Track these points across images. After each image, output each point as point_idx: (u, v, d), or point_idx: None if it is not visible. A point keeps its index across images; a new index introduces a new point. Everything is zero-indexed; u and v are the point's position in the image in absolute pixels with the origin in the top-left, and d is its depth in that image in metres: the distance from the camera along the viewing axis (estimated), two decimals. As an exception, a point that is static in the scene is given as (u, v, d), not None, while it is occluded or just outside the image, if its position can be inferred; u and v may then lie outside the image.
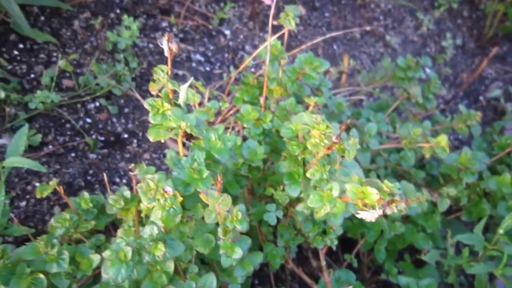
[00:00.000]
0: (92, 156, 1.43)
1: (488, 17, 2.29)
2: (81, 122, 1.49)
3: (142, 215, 0.87)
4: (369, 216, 0.61)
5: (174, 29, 1.83)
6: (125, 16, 1.61)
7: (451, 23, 2.33)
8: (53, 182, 0.87)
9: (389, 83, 1.31)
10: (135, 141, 1.50)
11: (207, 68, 1.79)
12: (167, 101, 0.81)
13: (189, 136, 0.84)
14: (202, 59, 1.81)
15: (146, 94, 1.61)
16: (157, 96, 0.81)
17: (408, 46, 2.14)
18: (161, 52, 1.75)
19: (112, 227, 1.13)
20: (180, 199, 0.76)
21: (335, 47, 1.98)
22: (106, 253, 0.72)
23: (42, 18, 1.69)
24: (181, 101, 0.81)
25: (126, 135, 1.50)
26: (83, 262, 0.85)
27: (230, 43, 1.88)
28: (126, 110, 1.56)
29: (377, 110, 1.33)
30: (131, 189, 1.38)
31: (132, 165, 0.97)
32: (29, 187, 1.31)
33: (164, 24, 1.83)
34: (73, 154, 1.42)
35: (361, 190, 0.63)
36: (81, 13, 1.74)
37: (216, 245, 0.83)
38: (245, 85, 1.15)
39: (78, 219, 0.89)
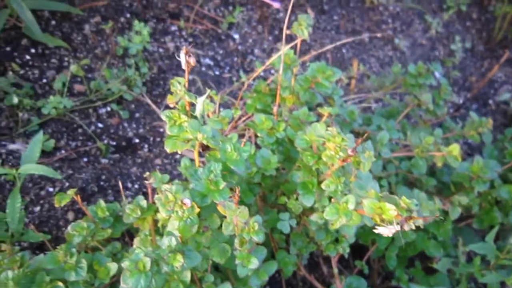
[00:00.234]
0: (104, 161, 1.44)
1: (497, 19, 2.28)
2: (92, 127, 1.50)
3: (159, 224, 0.88)
4: (386, 231, 0.61)
5: (184, 33, 1.84)
6: (136, 22, 1.62)
7: (460, 25, 2.32)
8: (71, 191, 0.88)
9: (400, 90, 1.31)
10: (146, 146, 1.51)
11: (217, 72, 1.80)
12: (184, 113, 0.82)
13: (205, 147, 0.85)
14: (212, 63, 1.82)
15: (156, 99, 1.63)
16: (174, 108, 0.82)
17: (416, 49, 2.14)
18: (171, 56, 1.76)
19: (127, 234, 1.14)
20: (197, 210, 0.77)
21: (344, 50, 1.98)
22: (125, 264, 0.73)
23: (53, 22, 1.71)
24: (197, 113, 0.82)
25: (137, 140, 1.52)
26: (101, 270, 0.86)
27: (239, 47, 1.89)
28: (137, 115, 1.57)
29: (387, 117, 1.34)
30: (143, 194, 1.40)
31: (147, 173, 0.98)
32: (42, 192, 1.33)
33: (174, 28, 1.84)
34: (85, 159, 1.43)
35: (379, 206, 0.64)
36: (91, 17, 1.76)
37: (231, 255, 0.84)
38: (257, 93, 1.16)
39: (95, 227, 0.91)
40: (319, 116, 1.26)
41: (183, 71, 1.87)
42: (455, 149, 1.04)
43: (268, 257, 0.97)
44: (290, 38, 1.98)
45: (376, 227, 0.62)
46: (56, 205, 0.87)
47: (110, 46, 1.69)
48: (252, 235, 0.77)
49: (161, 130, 1.56)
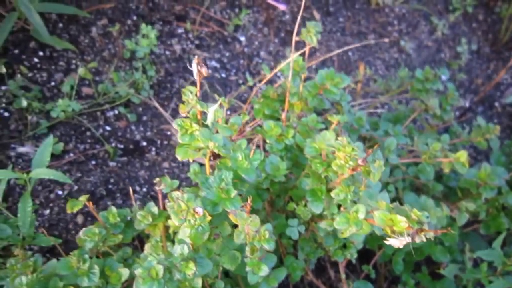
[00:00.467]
0: (112, 164, 1.46)
1: (503, 20, 2.28)
2: (100, 130, 1.52)
3: (170, 231, 0.89)
4: (397, 243, 0.62)
5: (190, 36, 1.85)
6: (143, 25, 1.63)
7: (466, 27, 2.31)
8: (83, 198, 0.89)
9: (407, 95, 1.32)
10: (153, 149, 1.52)
11: (223, 75, 1.81)
12: (195, 121, 0.82)
13: (216, 155, 0.86)
14: (218, 65, 1.82)
15: (163, 102, 1.64)
16: (186, 116, 0.82)
17: (422, 52, 2.13)
18: (177, 59, 1.77)
19: (137, 239, 1.16)
20: (209, 218, 0.78)
21: (349, 53, 1.98)
22: (138, 271, 0.74)
23: (60, 25, 1.71)
24: (209, 122, 0.82)
25: (144, 143, 1.53)
26: (113, 276, 0.88)
27: (245, 49, 1.89)
28: (144, 118, 1.58)
29: (394, 121, 1.34)
30: (151, 197, 1.41)
31: (157, 179, 0.99)
32: (52, 196, 1.34)
33: (180, 30, 1.85)
34: (93, 162, 1.45)
35: (390, 218, 0.64)
36: (98, 20, 1.77)
37: (242, 261, 0.85)
38: (265, 98, 1.16)
39: (107, 233, 0.92)
40: (325, 119, 1.27)
41: (190, 73, 1.88)
42: (463, 155, 1.04)
43: (276, 262, 0.98)
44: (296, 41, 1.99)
45: (387, 238, 0.63)
46: (68, 211, 0.88)
47: (117, 49, 1.70)
48: (263, 243, 0.78)
49: (168, 133, 1.57)
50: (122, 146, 1.50)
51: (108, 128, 1.53)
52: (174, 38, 1.82)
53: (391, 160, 1.07)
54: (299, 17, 0.97)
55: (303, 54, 1.11)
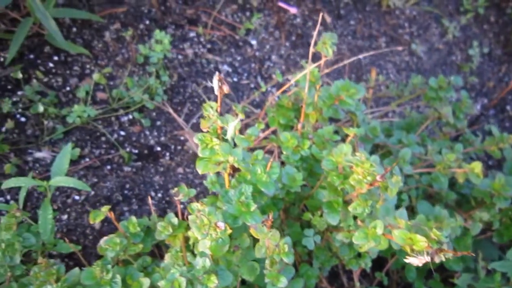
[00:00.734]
0: (127, 169, 1.48)
1: (515, 23, 2.26)
2: (115, 135, 1.54)
3: (190, 242, 0.91)
4: (416, 261, 0.64)
5: (202, 40, 1.86)
6: (157, 31, 1.64)
7: (477, 28, 2.30)
8: (105, 208, 0.92)
9: (420, 103, 1.32)
10: (167, 154, 1.54)
11: (235, 79, 1.82)
12: (215, 136, 0.84)
13: (235, 169, 0.88)
14: (230, 69, 1.83)
15: (177, 107, 1.65)
16: (207, 131, 0.84)
17: (433, 55, 2.13)
18: (189, 63, 1.78)
19: (156, 248, 1.18)
20: (229, 231, 0.80)
21: (360, 57, 1.98)
22: (162, 283, 0.77)
23: (74, 29, 1.73)
24: (229, 136, 0.84)
25: (158, 148, 1.55)
26: (134, 285, 0.90)
27: (257, 53, 1.90)
28: (158, 123, 1.60)
29: (407, 129, 1.35)
30: (166, 203, 1.43)
31: (175, 189, 1.01)
32: (69, 201, 1.37)
33: (192, 34, 1.86)
34: (108, 167, 1.47)
35: (410, 237, 0.66)
36: (111, 24, 1.78)
37: (260, 272, 0.87)
38: (280, 107, 1.18)
39: (128, 242, 0.94)
40: (339, 127, 1.28)
41: (202, 78, 1.90)
42: (477, 166, 1.05)
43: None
44: (308, 44, 1.99)
45: (407, 257, 0.65)
46: (90, 222, 0.91)
47: (131, 53, 1.71)
48: (283, 256, 0.79)
49: (182, 138, 1.59)
50: (136, 151, 1.53)
51: (122, 133, 1.55)
52: (186, 42, 1.83)
53: (406, 171, 1.08)
54: (317, 29, 0.98)
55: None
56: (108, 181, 1.43)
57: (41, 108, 1.48)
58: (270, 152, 1.52)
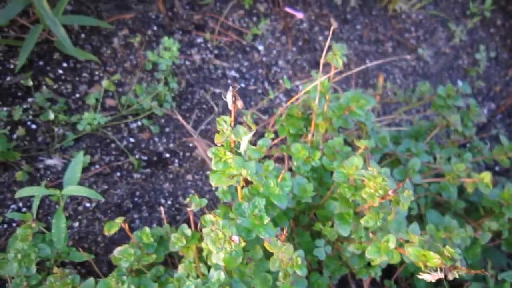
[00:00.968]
0: (136, 176, 1.49)
1: (522, 26, 2.26)
2: (125, 142, 1.55)
3: (203, 253, 0.93)
4: (430, 277, 0.65)
5: (209, 45, 1.87)
6: (165, 38, 1.65)
7: (483, 32, 2.30)
8: (120, 220, 0.93)
9: (429, 111, 1.33)
10: (176, 161, 1.56)
11: (242, 85, 1.83)
12: (229, 150, 0.85)
13: (247, 181, 0.89)
14: (237, 75, 1.84)
15: (185, 113, 1.67)
16: (221, 145, 0.85)
17: (440, 59, 2.13)
18: (197, 69, 1.79)
19: (168, 256, 1.20)
20: (243, 244, 0.81)
21: (367, 61, 1.99)
22: (177, 296, 0.78)
23: (83, 35, 1.75)
24: (242, 150, 0.85)
25: (167, 155, 1.56)
26: (148, 295, 0.92)
27: (264, 58, 1.91)
28: (167, 129, 1.61)
29: (415, 137, 1.35)
30: (176, 210, 1.45)
31: (187, 199, 1.03)
32: (80, 208, 1.38)
33: (199, 40, 1.87)
34: (118, 174, 1.49)
35: (423, 254, 0.67)
36: (119, 30, 1.79)
37: (273, 283, 0.88)
38: (290, 117, 1.19)
39: (141, 253, 0.96)
40: (348, 135, 1.28)
41: (210, 84, 1.90)
42: (487, 176, 1.06)
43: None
44: (314, 49, 2.00)
45: (420, 273, 0.66)
46: (105, 233, 0.92)
47: (139, 60, 1.72)
48: (296, 269, 0.81)
49: (191, 145, 1.60)
50: (145, 158, 1.54)
51: (132, 140, 1.56)
52: (193, 47, 1.84)
53: (415, 181, 1.09)
54: (328, 41, 0.98)
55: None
56: (118, 188, 1.44)
57: (51, 115, 1.50)
58: (279, 158, 1.53)
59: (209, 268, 0.95)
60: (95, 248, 1.31)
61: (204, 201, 1.05)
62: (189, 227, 0.99)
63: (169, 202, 1.44)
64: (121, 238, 1.33)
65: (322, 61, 1.03)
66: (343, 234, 0.92)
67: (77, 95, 1.60)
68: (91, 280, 0.94)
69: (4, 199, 1.33)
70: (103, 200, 1.40)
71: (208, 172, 1.53)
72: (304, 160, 1.02)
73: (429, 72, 2.08)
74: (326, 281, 1.08)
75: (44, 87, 1.57)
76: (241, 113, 1.66)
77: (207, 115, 1.69)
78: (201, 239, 0.96)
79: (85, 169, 1.46)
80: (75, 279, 0.95)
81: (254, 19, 1.97)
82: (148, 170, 1.51)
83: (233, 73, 1.84)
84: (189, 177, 1.52)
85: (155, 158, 1.54)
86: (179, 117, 1.61)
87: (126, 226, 0.94)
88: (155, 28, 1.83)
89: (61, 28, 1.56)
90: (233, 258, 0.83)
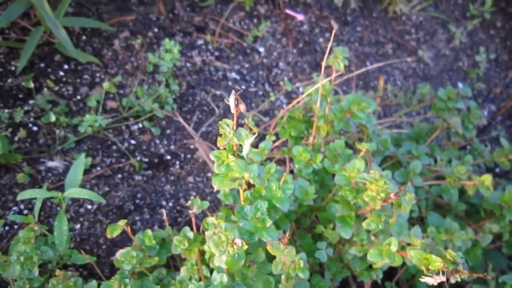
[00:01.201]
0: (137, 177, 1.50)
1: (522, 28, 2.26)
2: (126, 144, 1.55)
3: (206, 256, 0.93)
4: (432, 281, 0.65)
5: (210, 47, 1.87)
6: (166, 40, 1.65)
7: (483, 34, 2.30)
8: (122, 222, 0.93)
9: (429, 113, 1.33)
10: (177, 162, 1.56)
11: (243, 87, 1.83)
12: (231, 153, 0.85)
13: (250, 184, 0.89)
14: (238, 77, 1.85)
15: (186, 115, 1.67)
16: (224, 148, 0.85)
17: (440, 60, 2.14)
18: (198, 71, 1.80)
19: (170, 259, 1.20)
20: (246, 247, 0.82)
21: (367, 63, 1.99)
22: (180, 299, 0.78)
23: (84, 37, 1.75)
24: (244, 153, 0.85)
25: (168, 157, 1.57)
26: (150, 297, 0.92)
27: (264, 60, 1.92)
28: (168, 131, 1.62)
29: (416, 139, 1.36)
30: (177, 212, 1.45)
31: (189, 202, 1.03)
32: (82, 210, 1.39)
33: (200, 42, 1.87)
34: (120, 176, 1.49)
35: (425, 257, 0.67)
36: (120, 32, 1.80)
37: (275, 286, 0.89)
38: (291, 119, 1.19)
39: (143, 255, 0.96)
40: (349, 137, 1.29)
41: (211, 86, 1.91)
42: (487, 179, 1.06)
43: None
44: (315, 51, 2.00)
45: (422, 276, 0.66)
46: (108, 236, 0.92)
47: (140, 61, 1.73)
48: (298, 272, 0.81)
49: (192, 147, 1.60)
50: (147, 160, 1.54)
51: (133, 141, 1.57)
52: (194, 49, 1.85)
53: (416, 183, 1.10)
54: (329, 44, 0.99)
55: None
56: (120, 190, 1.45)
57: (52, 117, 1.50)
58: (280, 160, 1.54)
59: (211, 270, 0.95)
60: (97, 250, 1.31)
61: (206, 204, 1.05)
62: (191, 229, 1.00)
63: (171, 204, 1.45)
64: (123, 240, 1.34)
65: (323, 64, 1.03)
66: (344, 236, 0.93)
67: (78, 97, 1.60)
68: (93, 282, 0.94)
69: (6, 201, 1.33)
70: (104, 202, 1.40)
71: (209, 174, 1.53)
72: (306, 162, 1.02)
73: (430, 74, 2.09)
74: (328, 284, 1.08)
75: (45, 89, 1.57)
76: (242, 115, 1.67)
77: (208, 117, 1.70)
78: (203, 241, 0.96)
79: (86, 171, 1.46)
80: (77, 281, 0.95)
81: (255, 21, 1.97)
82: (149, 172, 1.52)
83: (233, 75, 1.84)
84: (190, 179, 1.52)
85: (156, 160, 1.55)
86: (180, 119, 1.62)
87: (128, 229, 0.95)
88: (156, 30, 1.83)
89: (62, 30, 1.56)
90: (235, 261, 0.83)
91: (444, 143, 1.43)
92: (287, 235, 0.77)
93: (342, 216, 0.93)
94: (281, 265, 0.79)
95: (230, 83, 1.82)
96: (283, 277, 0.81)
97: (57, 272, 0.96)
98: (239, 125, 1.68)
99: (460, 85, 2.08)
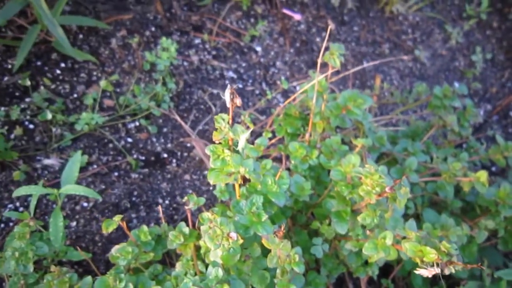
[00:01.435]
0: (134, 175, 1.49)
1: (517, 28, 2.28)
2: (122, 142, 1.55)
3: (201, 251, 0.93)
4: (426, 273, 0.65)
5: (207, 46, 1.88)
6: (163, 39, 1.66)
7: (480, 34, 2.32)
8: (118, 217, 0.93)
9: (425, 111, 1.34)
10: (174, 161, 1.56)
11: (240, 86, 1.83)
12: (227, 147, 0.86)
13: (245, 179, 0.89)
14: (235, 76, 1.85)
15: (183, 113, 1.67)
16: (219, 143, 0.85)
17: (436, 60, 2.15)
18: (195, 70, 1.80)
19: (166, 255, 1.19)
20: (241, 241, 0.82)
21: (364, 62, 2.00)
22: (175, 293, 0.78)
23: (81, 36, 1.75)
24: (240, 148, 0.85)
25: (165, 155, 1.57)
26: (146, 293, 0.91)
27: (262, 59, 1.92)
28: (164, 129, 1.61)
29: (412, 136, 1.36)
30: (173, 210, 1.45)
31: (185, 198, 1.03)
32: (78, 207, 1.38)
33: (197, 41, 1.88)
34: (116, 174, 1.49)
35: (420, 249, 0.67)
36: (117, 31, 1.80)
37: (271, 281, 0.89)
38: (287, 116, 1.19)
39: (139, 251, 0.96)
40: (345, 135, 1.29)
41: (208, 85, 1.91)
42: (483, 175, 1.06)
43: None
44: (312, 50, 2.01)
45: (417, 268, 0.66)
46: (104, 231, 0.92)
47: (137, 60, 1.73)
48: (293, 266, 0.81)
49: (188, 145, 1.60)
50: (143, 158, 1.54)
51: (129, 140, 1.56)
52: (191, 48, 1.85)
53: (412, 180, 1.10)
54: (324, 43, 0.99)
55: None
56: (116, 188, 1.44)
57: (49, 115, 1.50)
58: (276, 158, 1.54)
59: (207, 266, 0.95)
60: (93, 247, 1.31)
61: (202, 200, 1.05)
62: (187, 225, 0.99)
63: (167, 202, 1.44)
64: (119, 237, 1.33)
65: (319, 60, 1.03)
66: (340, 231, 0.93)
67: (75, 95, 1.60)
68: (88, 278, 0.94)
69: (2, 198, 1.33)
70: (100, 199, 1.40)
71: (206, 172, 1.53)
72: (302, 158, 1.03)
73: (426, 74, 2.09)
74: (324, 280, 1.08)
75: (42, 87, 1.57)
76: (239, 113, 1.67)
77: (205, 115, 1.70)
78: (198, 237, 0.96)
79: (82, 169, 1.46)
80: (72, 277, 0.95)
81: (252, 20, 1.98)
82: (146, 170, 1.52)
83: (231, 74, 1.85)
84: (187, 177, 1.52)
85: (152, 158, 1.55)
86: (177, 117, 1.62)
87: (124, 225, 0.94)
88: (153, 29, 1.84)
89: (59, 28, 1.56)
90: (231, 256, 0.83)
91: (440, 142, 1.43)
92: (282, 228, 0.77)
93: (337, 211, 0.93)
94: (276, 258, 0.79)
95: (227, 82, 1.82)
96: (278, 271, 0.81)
97: (52, 268, 0.96)
98: (236, 123, 1.68)
99: (456, 84, 2.09)
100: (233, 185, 1.05)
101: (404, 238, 0.76)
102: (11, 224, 1.30)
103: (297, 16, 2.01)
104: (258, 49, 1.93)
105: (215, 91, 1.76)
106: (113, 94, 1.62)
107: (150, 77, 1.70)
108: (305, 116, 1.20)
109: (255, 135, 1.63)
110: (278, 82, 1.88)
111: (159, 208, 1.07)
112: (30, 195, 1.32)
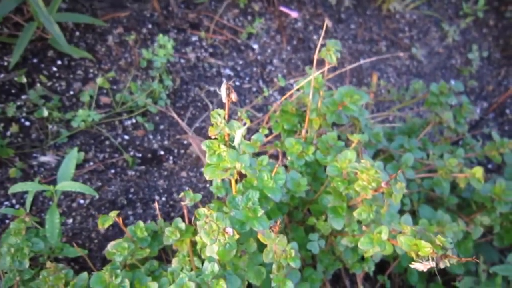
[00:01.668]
0: (131, 173, 1.49)
1: (514, 26, 2.29)
2: (119, 139, 1.55)
3: (197, 247, 0.93)
4: (421, 267, 0.65)
5: (204, 44, 1.87)
6: (160, 36, 1.65)
7: (476, 32, 2.32)
8: (114, 213, 0.93)
9: (422, 108, 1.34)
10: (171, 158, 1.56)
11: (237, 83, 1.83)
12: (223, 143, 0.86)
13: (241, 175, 0.89)
14: (232, 73, 1.85)
15: (180, 111, 1.67)
16: (215, 138, 0.85)
17: (433, 58, 2.15)
18: (192, 67, 1.80)
19: (162, 251, 1.19)
20: (237, 236, 0.82)
21: (361, 60, 2.00)
22: (171, 288, 0.78)
23: (77, 33, 1.74)
24: (236, 143, 0.85)
25: (162, 152, 1.56)
26: (142, 289, 0.91)
27: (258, 57, 1.92)
28: (161, 127, 1.61)
29: (408, 133, 1.37)
30: (170, 207, 1.45)
31: (182, 194, 1.03)
32: (74, 205, 1.38)
33: (194, 38, 1.88)
34: (112, 171, 1.48)
35: (415, 243, 0.68)
36: (114, 28, 1.79)
37: (267, 276, 0.89)
38: (284, 113, 1.19)
39: (135, 247, 0.96)
40: (342, 131, 1.29)
41: (205, 82, 1.90)
42: (478, 171, 1.07)
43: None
44: (309, 48, 2.01)
45: (412, 262, 0.66)
46: (99, 227, 0.92)
47: (134, 57, 1.72)
48: (289, 261, 0.81)
49: (185, 142, 1.60)
50: (140, 155, 1.54)
51: (126, 137, 1.56)
52: (188, 46, 1.85)
53: (408, 176, 1.10)
54: (320, 40, 0.99)
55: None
56: (113, 185, 1.44)
57: (45, 112, 1.49)
58: (273, 156, 1.54)
59: (203, 261, 0.95)
60: (89, 244, 1.31)
61: (199, 196, 1.05)
62: (183, 221, 0.99)
63: (164, 199, 1.44)
64: (115, 234, 1.33)
65: (315, 57, 1.03)
66: (336, 227, 0.93)
67: (71, 93, 1.59)
68: (84, 274, 0.93)
69: (-3, 195, 1.32)
70: (97, 196, 1.40)
71: (202, 169, 1.53)
72: (298, 154, 1.03)
73: (423, 72, 2.10)
74: (320, 276, 1.08)
75: (38, 84, 1.57)
76: (235, 111, 1.67)
77: (201, 112, 1.70)
78: (195, 233, 0.96)
79: (79, 166, 1.46)
80: (68, 273, 0.95)
81: (249, 18, 1.98)
82: (143, 167, 1.51)
83: (227, 71, 1.84)
84: (183, 174, 1.52)
85: (149, 155, 1.54)
86: (174, 115, 1.61)
87: (120, 221, 0.94)
88: (150, 26, 1.83)
89: (55, 25, 1.56)
90: (227, 251, 0.83)
91: (437, 138, 1.44)
92: (278, 223, 0.77)
93: (334, 207, 0.93)
94: (272, 253, 0.79)
95: (224, 79, 1.82)
96: (274, 266, 0.81)
97: (48, 264, 0.96)
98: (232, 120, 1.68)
99: (453, 82, 2.10)
100: (230, 182, 1.05)
101: (400, 233, 0.76)
102: (7, 221, 1.30)
103: (294, 14, 2.01)
104: (255, 46, 1.93)
105: (212, 89, 1.76)
106: (109, 91, 1.61)
107: (147, 74, 1.70)
108: (301, 112, 1.20)
109: (252, 132, 1.63)
110: (275, 80, 1.88)
111: (156, 205, 1.07)
112: (27, 193, 1.32)
